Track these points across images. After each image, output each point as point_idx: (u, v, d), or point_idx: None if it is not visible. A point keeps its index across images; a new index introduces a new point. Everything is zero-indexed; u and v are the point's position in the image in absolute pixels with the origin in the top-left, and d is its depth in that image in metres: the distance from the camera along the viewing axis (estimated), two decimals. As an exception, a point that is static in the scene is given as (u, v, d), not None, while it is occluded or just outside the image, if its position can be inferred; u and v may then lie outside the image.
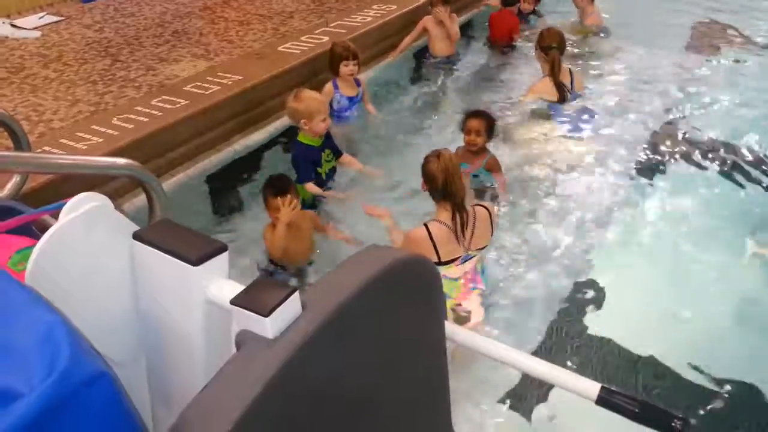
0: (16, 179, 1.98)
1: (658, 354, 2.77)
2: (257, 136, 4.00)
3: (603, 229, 3.59)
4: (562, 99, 4.56)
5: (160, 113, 3.68)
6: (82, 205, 1.06)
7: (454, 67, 5.41)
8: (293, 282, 3.15)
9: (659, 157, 4.24)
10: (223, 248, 1.03)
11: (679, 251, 3.40)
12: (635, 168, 4.11)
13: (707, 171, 4.07)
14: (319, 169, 3.63)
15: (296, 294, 0.89)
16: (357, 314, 0.95)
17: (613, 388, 1.16)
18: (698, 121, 4.63)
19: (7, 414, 0.70)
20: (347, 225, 3.53)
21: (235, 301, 0.90)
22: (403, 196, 3.68)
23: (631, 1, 6.82)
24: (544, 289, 3.15)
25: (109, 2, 5.96)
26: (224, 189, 3.79)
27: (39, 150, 3.22)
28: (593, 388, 1.17)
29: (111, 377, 0.80)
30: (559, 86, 4.54)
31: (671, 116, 4.71)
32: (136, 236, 1.06)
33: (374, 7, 5.46)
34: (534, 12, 6.33)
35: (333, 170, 3.76)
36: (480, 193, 3.67)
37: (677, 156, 4.24)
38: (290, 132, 3.93)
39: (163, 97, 3.88)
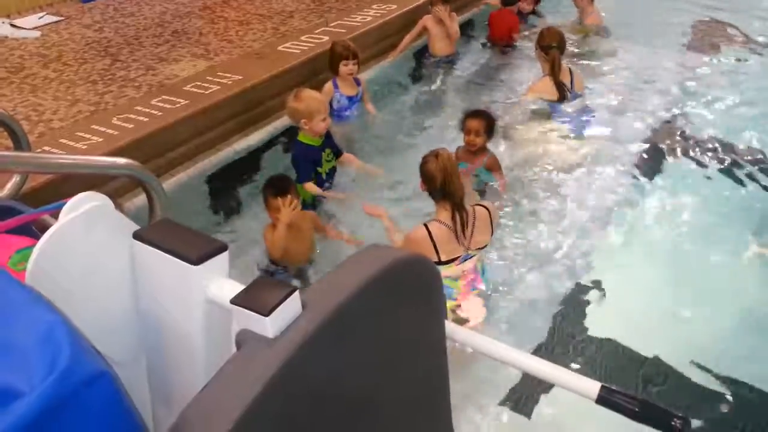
0: (16, 179, 1.98)
1: (658, 353, 2.77)
2: (257, 136, 4.01)
3: (604, 228, 3.59)
4: (562, 98, 4.56)
5: (160, 113, 3.68)
6: (82, 205, 1.06)
7: (454, 67, 5.41)
8: (294, 282, 3.15)
9: (660, 156, 4.24)
10: (223, 248, 1.03)
11: (681, 251, 3.40)
12: (636, 167, 4.11)
13: (708, 170, 4.07)
14: (319, 169, 3.63)
15: (296, 293, 0.89)
16: (357, 314, 0.95)
17: (614, 388, 1.16)
18: (699, 120, 4.63)
19: (7, 413, 0.70)
20: (347, 225, 3.53)
21: (235, 301, 0.90)
22: (403, 196, 3.68)
23: (631, 1, 6.82)
24: (544, 289, 3.15)
25: (109, 2, 5.96)
26: (224, 189, 3.79)
27: (39, 150, 3.22)
28: (593, 387, 1.17)
29: (111, 377, 0.80)
30: (559, 86, 4.54)
31: (672, 115, 4.71)
32: (137, 236, 1.06)
33: (374, 6, 5.46)
34: (534, 12, 6.33)
35: (333, 170, 3.77)
36: (480, 192, 3.67)
37: (678, 155, 4.24)
38: (290, 132, 3.93)
39: (163, 96, 3.89)
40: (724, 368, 2.69)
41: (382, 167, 3.93)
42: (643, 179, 4.00)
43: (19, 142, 1.99)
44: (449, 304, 2.82)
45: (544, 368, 1.24)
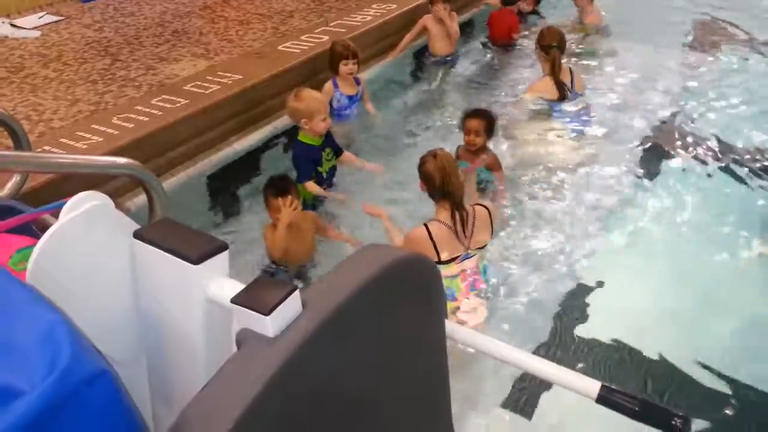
0: (16, 178, 1.98)
1: (659, 354, 2.77)
2: (257, 136, 4.00)
3: (604, 227, 3.59)
4: (563, 98, 4.56)
5: (160, 112, 3.68)
6: (83, 204, 1.06)
7: (454, 66, 5.41)
8: (294, 282, 3.14)
9: (660, 155, 4.24)
10: (223, 247, 1.03)
11: (682, 250, 3.40)
12: (636, 166, 4.11)
13: (709, 169, 4.07)
14: (319, 168, 3.63)
15: (297, 293, 0.89)
16: (357, 313, 0.95)
17: (614, 387, 1.16)
18: (700, 119, 4.63)
19: (8, 412, 0.70)
20: (348, 225, 3.53)
21: (235, 300, 0.90)
22: (403, 195, 3.68)
23: (631, 0, 6.82)
24: (545, 289, 3.15)
25: (109, 2, 5.96)
26: (224, 188, 3.79)
27: (39, 149, 3.22)
28: (593, 386, 1.17)
29: (112, 376, 0.80)
30: (560, 85, 4.54)
31: (672, 114, 4.71)
32: (137, 235, 1.06)
33: (374, 6, 5.46)
34: (533, 12, 6.33)
35: (333, 169, 3.77)
36: (480, 191, 3.67)
37: (678, 154, 4.24)
38: (290, 131, 3.93)
39: (163, 96, 3.88)
40: (726, 368, 2.69)
41: (382, 165, 3.93)
42: (643, 178, 4.00)
43: (19, 141, 1.99)
44: (450, 304, 2.82)
45: (544, 367, 1.24)
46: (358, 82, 4.39)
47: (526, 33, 5.85)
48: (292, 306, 0.89)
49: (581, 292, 3.14)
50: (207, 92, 3.90)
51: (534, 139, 4.34)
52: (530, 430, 2.52)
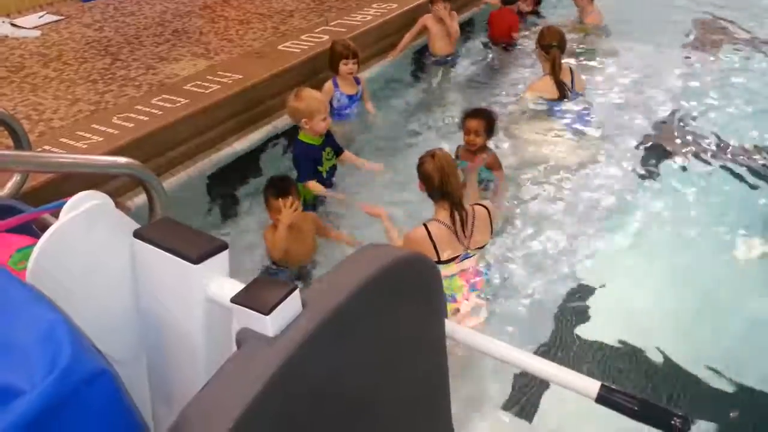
0: (16, 178, 1.98)
1: (660, 354, 2.77)
2: (257, 135, 4.00)
3: (605, 227, 3.58)
4: (563, 97, 4.56)
5: (161, 112, 3.68)
6: (83, 204, 1.06)
7: (454, 66, 5.41)
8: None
9: (661, 155, 4.23)
10: (223, 246, 1.03)
11: (683, 250, 3.39)
12: (637, 166, 4.10)
13: (710, 168, 4.06)
14: (320, 168, 3.63)
15: (296, 292, 0.90)
16: (357, 313, 0.95)
17: (613, 387, 1.16)
18: (701, 118, 4.63)
19: (8, 411, 0.71)
20: (348, 225, 3.53)
21: (235, 300, 0.90)
22: (402, 195, 3.67)
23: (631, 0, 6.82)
24: (545, 289, 3.15)
25: (109, 1, 5.96)
26: (225, 188, 3.79)
27: (39, 149, 3.22)
28: (593, 386, 1.17)
29: (112, 375, 0.80)
30: (560, 85, 4.54)
31: (673, 114, 4.71)
32: (137, 234, 1.06)
33: (374, 5, 5.45)
34: (533, 13, 6.32)
35: (334, 168, 3.77)
36: (480, 191, 3.67)
37: (679, 154, 4.24)
38: (291, 131, 3.93)
39: (164, 96, 3.88)
40: (728, 368, 2.69)
41: (382, 164, 3.93)
42: (644, 178, 4.00)
43: (19, 141, 1.99)
44: (449, 305, 2.82)
45: (543, 367, 1.24)
46: (358, 81, 4.39)
47: (526, 32, 5.85)
48: (291, 305, 0.89)
49: (582, 291, 3.14)
50: (207, 92, 3.90)
51: (534, 139, 4.34)
52: (529, 428, 2.52)
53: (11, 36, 5.12)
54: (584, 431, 2.43)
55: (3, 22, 5.35)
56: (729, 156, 4.16)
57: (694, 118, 4.64)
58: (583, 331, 2.92)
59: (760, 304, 3.01)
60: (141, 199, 2.84)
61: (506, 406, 2.57)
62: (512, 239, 3.43)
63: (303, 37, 4.79)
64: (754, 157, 4.15)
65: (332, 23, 5.07)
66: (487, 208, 2.95)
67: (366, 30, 4.96)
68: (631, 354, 2.79)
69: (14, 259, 1.17)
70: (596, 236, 3.51)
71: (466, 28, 5.88)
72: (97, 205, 1.08)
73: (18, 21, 5.43)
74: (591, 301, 3.08)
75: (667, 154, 4.25)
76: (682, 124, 4.59)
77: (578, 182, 3.93)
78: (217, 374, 0.85)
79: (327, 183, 3.70)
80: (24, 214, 1.35)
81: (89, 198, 1.08)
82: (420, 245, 2.74)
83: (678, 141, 4.37)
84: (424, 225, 2.82)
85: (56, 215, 1.07)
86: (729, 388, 2.62)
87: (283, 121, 4.04)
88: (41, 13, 5.63)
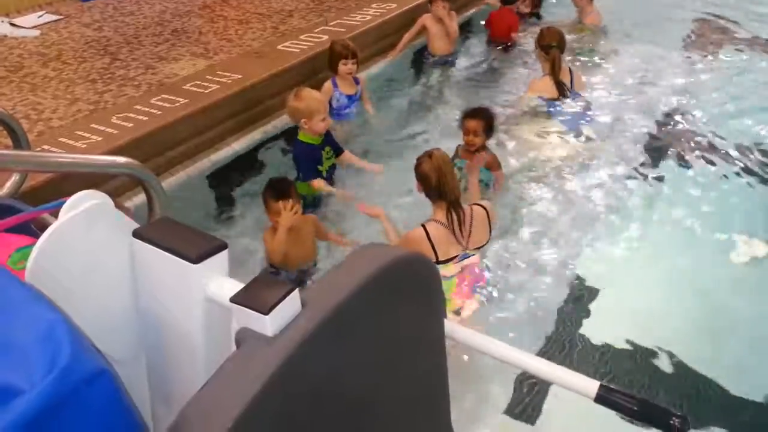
0: (15, 178, 1.98)
1: (661, 354, 2.77)
2: (257, 135, 4.00)
3: (604, 227, 3.58)
4: (562, 97, 4.56)
5: (160, 112, 3.68)
6: (82, 203, 1.06)
7: (453, 66, 5.41)
8: (293, 282, 3.13)
9: (660, 155, 4.24)
10: (223, 246, 1.03)
11: (684, 250, 3.40)
12: (637, 166, 4.10)
13: (711, 168, 4.06)
14: (319, 167, 3.63)
15: (296, 292, 0.89)
16: (356, 312, 0.95)
17: (612, 386, 1.16)
18: (700, 118, 4.63)
19: (7, 411, 0.70)
20: (348, 226, 3.52)
21: (235, 299, 0.90)
22: (401, 195, 3.67)
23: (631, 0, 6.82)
24: (545, 288, 3.15)
25: (108, 1, 5.95)
26: (224, 188, 3.79)
27: (38, 149, 3.22)
28: (592, 386, 1.17)
29: (111, 375, 0.80)
30: (559, 85, 4.54)
31: (672, 114, 4.71)
32: (136, 234, 1.06)
33: (373, 5, 5.46)
34: (533, 14, 6.32)
35: (333, 167, 3.77)
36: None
37: (679, 153, 4.24)
38: (290, 131, 3.93)
39: (163, 95, 3.88)
40: (729, 368, 2.69)
41: (382, 165, 3.93)
42: (644, 178, 4.00)
43: (18, 140, 1.99)
44: (451, 305, 2.82)
45: (543, 367, 1.24)
46: (357, 81, 4.39)
47: (526, 33, 5.85)
48: (291, 305, 0.89)
49: (582, 291, 3.14)
50: (206, 92, 3.90)
51: (533, 139, 4.34)
52: (529, 428, 2.52)
53: (10, 35, 5.11)
54: (583, 423, 2.43)
55: (2, 21, 5.35)
56: (730, 156, 4.16)
57: (694, 118, 4.64)
58: (584, 331, 2.92)
59: (762, 304, 3.02)
60: (140, 198, 2.84)
61: (507, 409, 2.57)
62: (512, 239, 3.43)
63: (302, 37, 4.79)
64: (755, 156, 4.15)
65: (331, 23, 5.07)
66: (485, 208, 2.95)
67: (365, 30, 4.96)
68: (631, 354, 2.79)
69: (13, 259, 1.17)
70: (596, 236, 3.51)
71: (466, 28, 5.89)
72: (96, 205, 1.07)
73: (17, 20, 5.42)
74: (591, 302, 3.08)
75: (668, 154, 4.25)
76: (682, 124, 4.59)
77: (578, 182, 3.93)
78: (216, 374, 0.85)
79: (327, 182, 3.70)
80: (23, 213, 1.35)
81: (88, 197, 1.08)
82: (418, 245, 2.74)
83: (678, 141, 4.37)
84: (422, 225, 2.82)
85: (55, 215, 1.07)
86: (730, 389, 2.61)
87: (282, 121, 4.04)
88: (40, 13, 5.62)
